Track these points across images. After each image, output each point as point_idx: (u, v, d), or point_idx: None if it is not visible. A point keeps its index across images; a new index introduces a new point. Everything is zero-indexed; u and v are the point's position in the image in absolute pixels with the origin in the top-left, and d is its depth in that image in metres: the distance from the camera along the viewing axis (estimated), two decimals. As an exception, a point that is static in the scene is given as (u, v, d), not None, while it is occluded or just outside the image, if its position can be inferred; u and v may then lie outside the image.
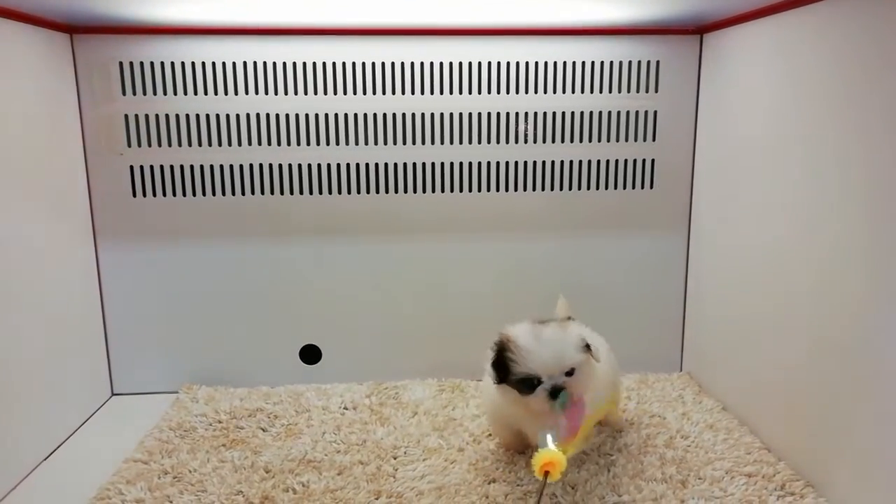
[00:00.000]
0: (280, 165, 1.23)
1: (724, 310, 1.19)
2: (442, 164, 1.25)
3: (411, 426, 1.10)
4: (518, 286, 1.31)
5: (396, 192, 1.26)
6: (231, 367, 1.29)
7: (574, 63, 1.23)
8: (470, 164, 1.26)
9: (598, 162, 1.27)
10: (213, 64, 1.18)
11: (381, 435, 1.07)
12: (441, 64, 1.21)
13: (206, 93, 1.19)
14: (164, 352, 1.28)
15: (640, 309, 1.34)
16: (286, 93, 1.20)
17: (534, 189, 1.28)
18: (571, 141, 1.26)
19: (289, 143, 1.22)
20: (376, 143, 1.23)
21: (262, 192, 1.24)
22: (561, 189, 1.28)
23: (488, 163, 1.26)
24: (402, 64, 1.21)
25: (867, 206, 0.81)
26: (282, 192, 1.24)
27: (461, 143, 1.25)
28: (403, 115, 1.23)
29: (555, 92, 1.24)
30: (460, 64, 1.22)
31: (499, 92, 1.23)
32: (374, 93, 1.21)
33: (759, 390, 1.06)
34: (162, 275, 1.25)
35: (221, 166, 1.22)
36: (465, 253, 1.30)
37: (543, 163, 1.27)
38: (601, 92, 1.24)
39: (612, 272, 1.32)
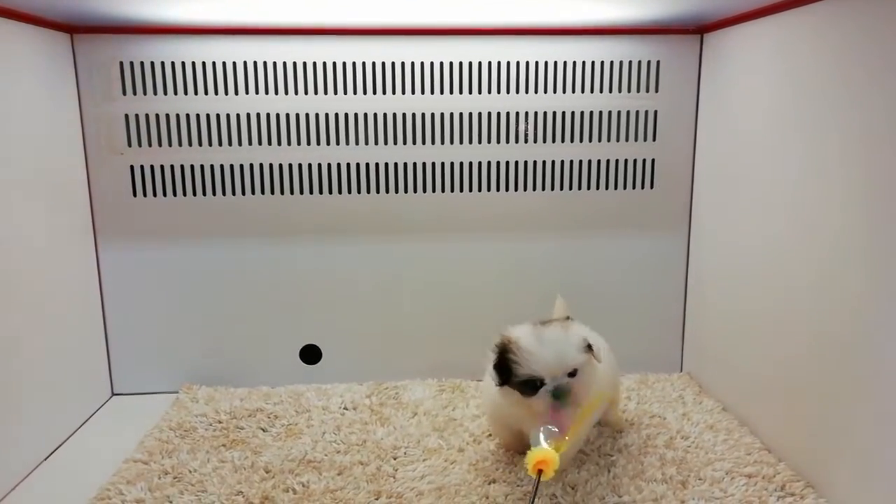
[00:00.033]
0: (280, 165, 1.23)
1: (724, 310, 1.19)
2: (442, 163, 1.25)
3: (411, 426, 1.10)
4: (518, 286, 1.31)
5: (397, 192, 1.26)
6: (231, 367, 1.29)
7: (574, 63, 1.23)
8: (470, 164, 1.26)
9: (599, 162, 1.27)
10: (214, 64, 1.18)
11: (382, 435, 1.07)
12: (441, 64, 1.21)
13: (206, 93, 1.19)
14: (165, 352, 1.28)
15: (641, 309, 1.34)
16: (286, 93, 1.20)
17: (534, 189, 1.28)
18: (572, 141, 1.26)
19: (289, 143, 1.22)
20: (376, 143, 1.23)
21: (263, 192, 1.24)
22: (561, 189, 1.28)
23: (489, 163, 1.26)
24: (403, 64, 1.21)
25: (867, 206, 0.81)
26: (282, 192, 1.24)
27: (461, 143, 1.25)
28: (404, 115, 1.23)
29: (555, 92, 1.24)
30: (460, 64, 1.22)
31: (499, 92, 1.23)
32: (375, 93, 1.21)
33: (760, 391, 1.06)
34: (162, 274, 1.25)
35: (222, 166, 1.22)
36: (466, 253, 1.30)
37: (544, 163, 1.27)
38: (601, 92, 1.24)
39: (613, 272, 1.32)
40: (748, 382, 1.09)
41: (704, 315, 1.28)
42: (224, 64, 1.18)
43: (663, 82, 1.25)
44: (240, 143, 1.21)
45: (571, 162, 1.27)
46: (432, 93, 1.22)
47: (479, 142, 1.25)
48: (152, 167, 1.21)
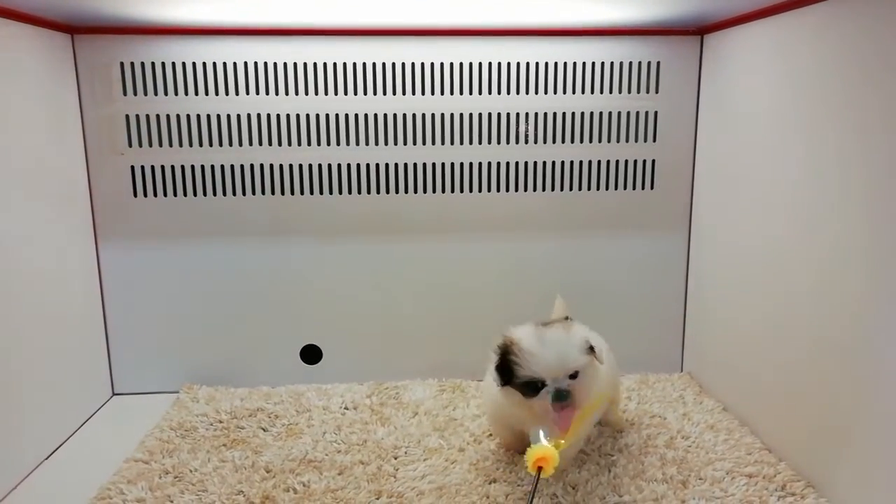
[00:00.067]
0: (281, 166, 1.23)
1: (724, 310, 1.19)
2: (443, 164, 1.25)
3: (412, 426, 1.10)
4: (519, 286, 1.31)
5: (397, 192, 1.26)
6: (232, 366, 1.29)
7: (574, 64, 1.23)
8: (471, 164, 1.26)
9: (599, 162, 1.28)
10: (214, 64, 1.18)
11: (382, 435, 1.07)
12: (442, 64, 1.21)
13: (206, 93, 1.19)
14: (165, 352, 1.28)
15: (641, 309, 1.34)
16: (287, 93, 1.20)
17: (535, 189, 1.28)
18: (572, 141, 1.26)
19: (290, 144, 1.22)
20: (377, 143, 1.23)
21: (263, 193, 1.24)
22: (562, 189, 1.28)
23: (489, 163, 1.26)
24: (403, 64, 1.21)
25: (867, 207, 0.81)
26: (283, 193, 1.24)
27: (462, 143, 1.25)
28: (404, 115, 1.23)
29: (555, 92, 1.24)
30: (461, 64, 1.22)
31: (499, 92, 1.23)
32: (375, 93, 1.22)
33: (760, 391, 1.06)
34: (163, 274, 1.25)
35: (222, 166, 1.22)
36: (466, 253, 1.30)
37: (544, 163, 1.27)
38: (602, 92, 1.25)
39: (613, 272, 1.32)
40: (749, 382, 1.10)
41: (705, 315, 1.28)
42: (225, 64, 1.18)
43: (664, 83, 1.25)
44: (240, 144, 1.21)
45: (572, 162, 1.27)
46: (433, 93, 1.22)
47: (480, 142, 1.25)
48: (153, 167, 1.21)
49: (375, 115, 1.22)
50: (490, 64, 1.22)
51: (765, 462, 0.97)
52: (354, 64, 1.20)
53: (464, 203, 1.27)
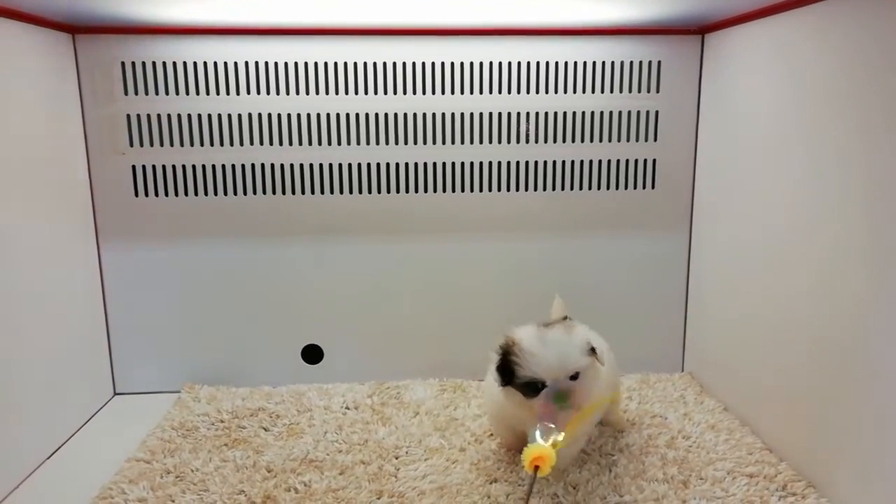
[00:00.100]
0: (282, 165, 1.23)
1: (725, 310, 1.19)
2: (444, 164, 1.25)
3: (413, 426, 1.10)
4: (520, 286, 1.31)
5: (398, 192, 1.26)
6: (233, 366, 1.29)
7: (575, 63, 1.23)
8: (472, 164, 1.26)
9: (600, 162, 1.27)
10: (215, 64, 1.18)
11: (383, 435, 1.07)
12: (442, 64, 1.21)
13: (207, 93, 1.19)
14: (167, 351, 1.28)
15: (642, 309, 1.34)
16: (287, 93, 1.20)
17: (535, 189, 1.28)
18: (573, 141, 1.26)
19: (290, 143, 1.22)
20: (377, 143, 1.23)
21: (264, 192, 1.24)
22: (562, 189, 1.28)
23: (490, 163, 1.26)
24: (404, 64, 1.21)
25: (868, 206, 0.81)
26: (283, 192, 1.24)
27: (463, 143, 1.25)
28: (405, 115, 1.23)
29: (556, 92, 1.24)
30: (461, 64, 1.22)
31: (500, 92, 1.23)
32: (376, 93, 1.22)
33: (761, 391, 1.06)
34: (164, 274, 1.25)
35: (223, 166, 1.22)
36: (467, 253, 1.30)
37: (545, 163, 1.27)
38: (602, 92, 1.25)
39: (614, 272, 1.32)
40: (749, 382, 1.10)
41: (706, 315, 1.28)
42: (226, 64, 1.18)
43: (664, 83, 1.25)
44: (241, 143, 1.21)
45: (573, 162, 1.27)
46: (433, 93, 1.22)
47: (481, 142, 1.25)
48: (154, 167, 1.21)
49: (376, 115, 1.22)
50: (490, 64, 1.22)
51: (766, 462, 0.97)
52: (355, 63, 1.20)
53: (465, 203, 1.27)
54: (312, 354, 1.32)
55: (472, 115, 1.24)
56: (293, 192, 1.24)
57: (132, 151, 1.20)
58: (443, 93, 1.22)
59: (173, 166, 1.21)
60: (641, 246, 1.31)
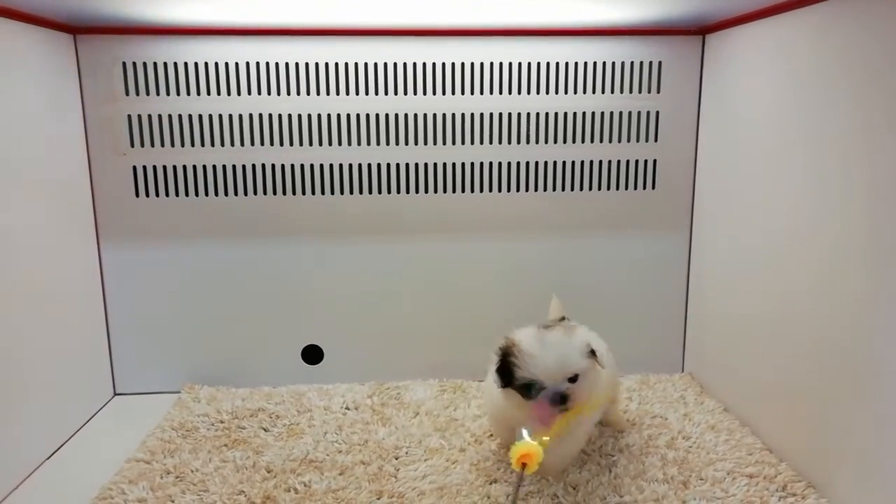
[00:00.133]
0: (282, 166, 1.23)
1: (725, 310, 1.19)
2: (444, 164, 1.25)
3: (413, 426, 1.10)
4: (520, 286, 1.31)
5: (398, 192, 1.26)
6: (233, 367, 1.29)
7: (576, 64, 1.23)
8: (472, 164, 1.26)
9: (601, 162, 1.27)
10: (216, 64, 1.18)
11: (383, 435, 1.07)
12: (442, 64, 1.21)
13: (208, 93, 1.19)
14: (167, 352, 1.28)
15: (642, 309, 1.34)
16: (288, 93, 1.20)
17: (536, 189, 1.28)
18: (574, 141, 1.26)
19: (291, 144, 1.22)
20: (378, 143, 1.23)
21: (265, 193, 1.24)
22: (563, 189, 1.28)
23: (490, 163, 1.26)
24: (404, 64, 1.21)
25: (869, 207, 0.81)
26: (284, 193, 1.24)
27: (463, 143, 1.25)
28: (405, 115, 1.23)
29: (557, 92, 1.24)
30: (462, 65, 1.22)
31: (500, 93, 1.23)
32: (376, 93, 1.22)
33: (761, 391, 1.06)
34: (164, 275, 1.25)
35: (224, 166, 1.22)
36: (467, 253, 1.30)
37: (546, 163, 1.27)
38: (603, 92, 1.25)
39: (614, 273, 1.32)
40: (749, 383, 1.09)
41: (706, 316, 1.28)
42: (226, 64, 1.18)
43: (665, 83, 1.25)
44: (242, 144, 1.21)
45: (573, 162, 1.27)
46: (434, 93, 1.22)
47: (482, 142, 1.25)
48: (155, 168, 1.21)
49: (376, 115, 1.22)
50: (491, 64, 1.22)
51: (766, 462, 0.97)
52: (355, 64, 1.20)
53: (465, 203, 1.27)
54: (312, 355, 1.32)
55: (472, 115, 1.24)
56: (293, 193, 1.24)
57: (133, 152, 1.20)
58: (443, 93, 1.22)
59: (174, 166, 1.21)
60: (642, 246, 1.31)
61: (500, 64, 1.22)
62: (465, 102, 1.23)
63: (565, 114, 1.25)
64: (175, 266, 1.25)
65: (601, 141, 1.26)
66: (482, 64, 1.22)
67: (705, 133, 1.25)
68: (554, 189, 1.28)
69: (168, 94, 1.19)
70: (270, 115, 1.21)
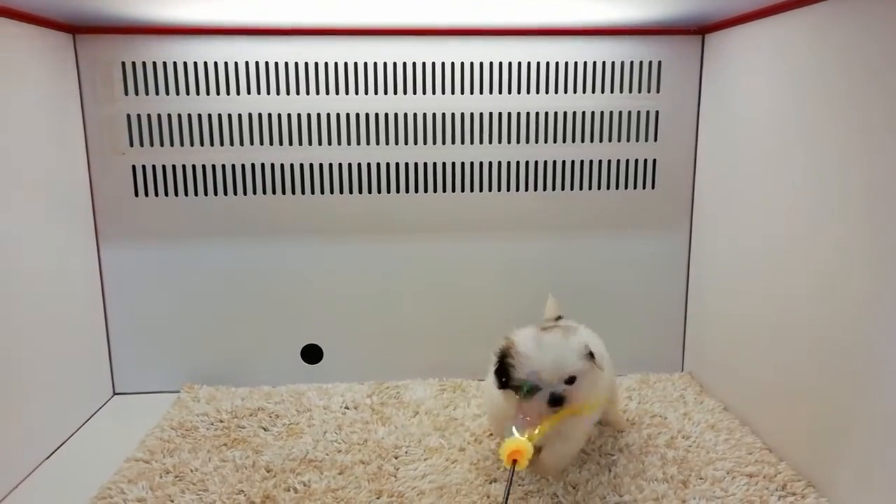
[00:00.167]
0: (281, 165, 1.23)
1: (725, 310, 1.19)
2: (444, 164, 1.25)
3: (412, 426, 1.10)
4: (520, 286, 1.31)
5: (398, 192, 1.26)
6: (232, 366, 1.29)
7: (575, 63, 1.23)
8: (472, 164, 1.26)
9: (600, 162, 1.27)
10: (216, 64, 1.18)
11: (383, 434, 1.07)
12: (442, 64, 1.21)
13: (208, 93, 1.19)
14: (166, 351, 1.28)
15: (642, 309, 1.34)
16: (287, 93, 1.20)
17: (535, 189, 1.28)
18: (573, 141, 1.26)
19: (290, 143, 1.22)
20: (377, 143, 1.23)
21: (264, 192, 1.24)
22: (563, 189, 1.28)
23: (490, 163, 1.26)
24: (404, 64, 1.21)
25: (869, 207, 0.81)
26: (283, 192, 1.24)
27: (462, 143, 1.25)
28: (405, 115, 1.23)
29: (556, 92, 1.24)
30: (461, 64, 1.22)
31: (500, 92, 1.23)
32: (375, 93, 1.22)
33: (761, 391, 1.06)
34: (164, 274, 1.25)
35: (223, 166, 1.22)
36: (467, 253, 1.30)
37: (545, 163, 1.27)
38: (603, 92, 1.25)
39: (614, 272, 1.32)
40: (749, 382, 1.09)
41: (706, 315, 1.28)
42: (226, 64, 1.18)
43: (665, 83, 1.25)
44: (241, 144, 1.21)
45: (573, 162, 1.27)
46: (433, 93, 1.22)
47: (481, 142, 1.25)
48: (154, 167, 1.21)
49: (376, 115, 1.22)
50: (490, 64, 1.22)
51: (765, 462, 0.97)
52: (355, 63, 1.20)
53: (465, 203, 1.27)
54: (312, 354, 1.32)
55: (472, 115, 1.24)
56: (293, 192, 1.24)
57: (132, 151, 1.20)
58: (443, 93, 1.22)
59: (173, 166, 1.21)
60: (641, 246, 1.31)
61: (500, 63, 1.22)
62: (466, 102, 1.23)
63: (565, 113, 1.25)
64: (174, 265, 1.25)
65: (601, 140, 1.26)
66: (481, 63, 1.22)
67: (705, 133, 1.25)
68: (554, 189, 1.28)
69: (167, 93, 1.19)
70: (270, 115, 1.21)
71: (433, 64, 1.21)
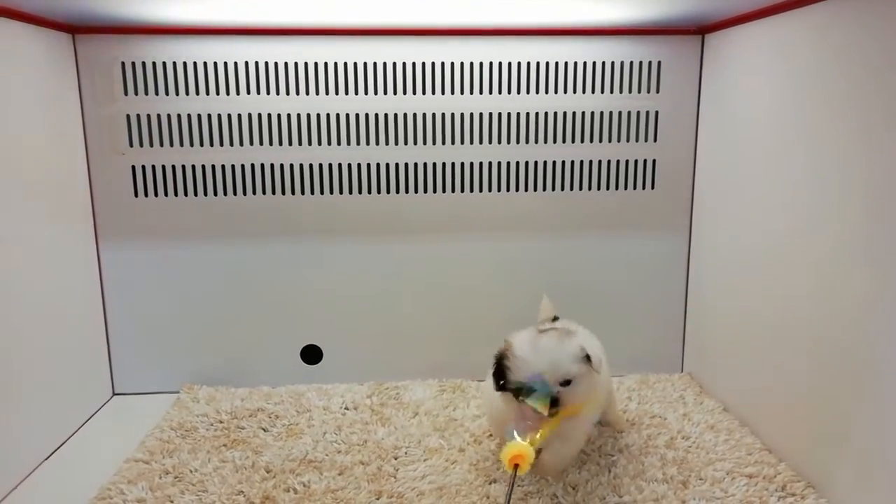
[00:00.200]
0: (281, 165, 1.23)
1: (725, 310, 1.19)
2: (443, 164, 1.25)
3: (412, 426, 1.10)
4: (519, 286, 1.31)
5: (398, 192, 1.26)
6: (232, 367, 1.29)
7: (575, 63, 1.23)
8: (471, 164, 1.26)
9: (600, 162, 1.27)
10: (215, 64, 1.18)
11: (382, 435, 1.07)
12: (442, 64, 1.21)
13: (207, 93, 1.19)
14: (166, 352, 1.28)
15: (642, 309, 1.34)
16: (287, 93, 1.20)
17: (535, 189, 1.28)
18: (573, 141, 1.26)
19: (290, 143, 1.22)
20: (377, 143, 1.23)
21: (264, 192, 1.24)
22: (563, 189, 1.28)
23: (489, 163, 1.26)
24: (404, 64, 1.21)
25: (868, 207, 0.81)
26: (283, 192, 1.24)
27: (462, 143, 1.25)
28: (405, 115, 1.23)
29: (556, 92, 1.24)
30: (461, 64, 1.22)
31: (500, 92, 1.23)
32: (375, 93, 1.21)
33: (761, 391, 1.06)
34: (163, 275, 1.25)
35: (223, 166, 1.22)
36: (467, 253, 1.30)
37: (545, 163, 1.27)
38: (602, 92, 1.24)
39: (614, 273, 1.32)
40: (749, 383, 1.09)
41: (705, 315, 1.28)
42: (225, 64, 1.18)
43: (664, 83, 1.25)
44: (241, 144, 1.21)
45: (573, 162, 1.27)
46: (433, 93, 1.22)
47: (481, 142, 1.25)
48: (154, 167, 1.21)
49: (376, 115, 1.22)
50: (490, 64, 1.22)
51: (765, 462, 0.97)
52: (355, 64, 1.20)
53: (465, 203, 1.27)
54: (312, 355, 1.32)
55: (471, 115, 1.24)
56: (292, 192, 1.24)
57: (132, 151, 1.20)
58: (442, 93, 1.22)
59: (173, 166, 1.21)
60: (641, 246, 1.31)
61: (500, 63, 1.22)
62: (465, 102, 1.23)
63: (564, 113, 1.25)
64: (174, 266, 1.25)
65: (601, 141, 1.26)
66: (481, 63, 1.22)
67: (704, 133, 1.25)
68: (553, 189, 1.28)
69: (167, 93, 1.19)
70: (269, 115, 1.21)
71: (433, 64, 1.21)
